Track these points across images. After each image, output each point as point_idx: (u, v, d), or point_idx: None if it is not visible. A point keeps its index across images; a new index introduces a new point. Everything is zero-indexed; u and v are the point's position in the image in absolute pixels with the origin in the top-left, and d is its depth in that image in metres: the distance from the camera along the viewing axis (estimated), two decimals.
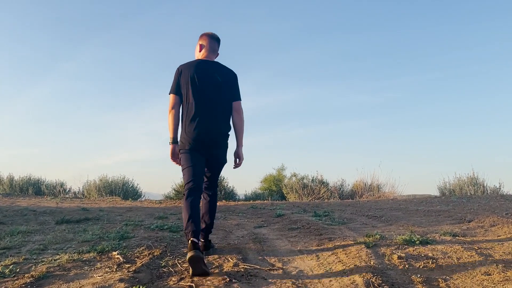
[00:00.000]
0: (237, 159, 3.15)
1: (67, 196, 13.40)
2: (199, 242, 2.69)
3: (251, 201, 10.71)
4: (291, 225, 4.13)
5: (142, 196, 14.96)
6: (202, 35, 3.25)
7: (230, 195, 12.73)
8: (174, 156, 3.02)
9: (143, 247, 3.11)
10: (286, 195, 13.03)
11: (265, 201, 9.48)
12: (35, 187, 15.00)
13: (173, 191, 13.43)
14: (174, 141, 3.01)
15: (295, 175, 15.00)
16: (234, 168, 3.16)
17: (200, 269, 2.38)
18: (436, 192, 12.03)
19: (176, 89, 3.03)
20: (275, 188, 17.22)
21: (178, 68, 3.10)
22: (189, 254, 2.39)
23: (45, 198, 10.88)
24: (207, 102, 2.99)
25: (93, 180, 14.41)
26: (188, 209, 2.72)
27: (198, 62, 3.10)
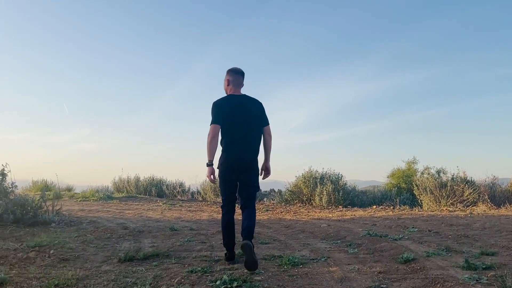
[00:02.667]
0: (264, 171, 3.79)
1: (182, 199, 13.36)
2: (234, 252, 3.60)
3: (373, 208, 9.01)
4: None
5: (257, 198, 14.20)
6: (227, 71, 3.78)
7: (350, 196, 11.08)
8: (210, 177, 3.57)
9: None
10: (418, 196, 10.87)
11: (390, 212, 7.68)
12: (157, 188, 15.48)
13: (288, 192, 12.29)
14: (211, 163, 3.56)
15: (428, 172, 12.60)
16: (263, 179, 3.84)
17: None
18: None
19: (216, 120, 3.55)
20: (404, 186, 14.90)
21: (214, 103, 3.66)
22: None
23: (158, 203, 10.78)
24: (241, 132, 3.56)
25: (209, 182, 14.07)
26: (224, 226, 3.59)
27: (229, 97, 3.68)
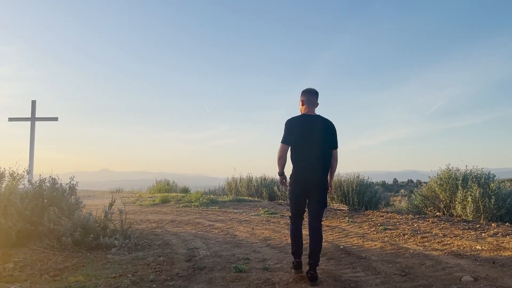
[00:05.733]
0: (329, 187, 3.93)
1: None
2: (301, 261, 3.87)
3: None
4: None
5: (384, 202, 11.85)
6: (302, 92, 3.95)
7: (506, 204, 8.13)
8: (282, 184, 4.01)
9: None
10: None
11: None
12: (268, 189, 14.26)
13: (419, 197, 9.79)
14: (281, 173, 3.92)
15: None
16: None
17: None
18: None
19: (286, 139, 3.79)
20: None
21: (287, 122, 3.85)
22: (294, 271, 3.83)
23: (259, 210, 9.50)
24: (310, 151, 3.73)
25: None
26: (293, 237, 3.93)
27: (303, 117, 3.87)
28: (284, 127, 3.84)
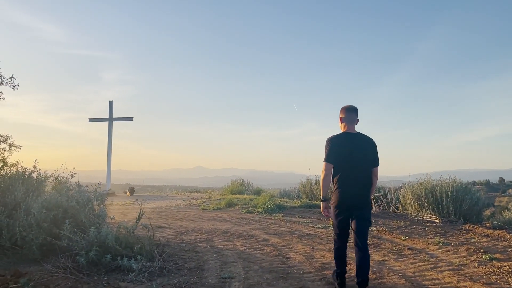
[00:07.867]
0: None
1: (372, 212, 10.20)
2: (345, 279, 3.80)
3: None
4: None
5: (489, 212, 9.63)
6: (341, 109, 3.89)
7: None
8: (324, 211, 3.78)
9: None
10: None
11: None
12: None
13: None
14: (324, 199, 3.76)
15: None
16: None
17: None
18: None
19: (329, 158, 3.71)
20: None
21: (328, 140, 3.78)
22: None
23: (328, 221, 8.07)
24: (353, 170, 3.66)
25: (413, 185, 10.25)
26: (337, 258, 3.78)
27: (344, 135, 3.79)
28: (325, 145, 3.79)
